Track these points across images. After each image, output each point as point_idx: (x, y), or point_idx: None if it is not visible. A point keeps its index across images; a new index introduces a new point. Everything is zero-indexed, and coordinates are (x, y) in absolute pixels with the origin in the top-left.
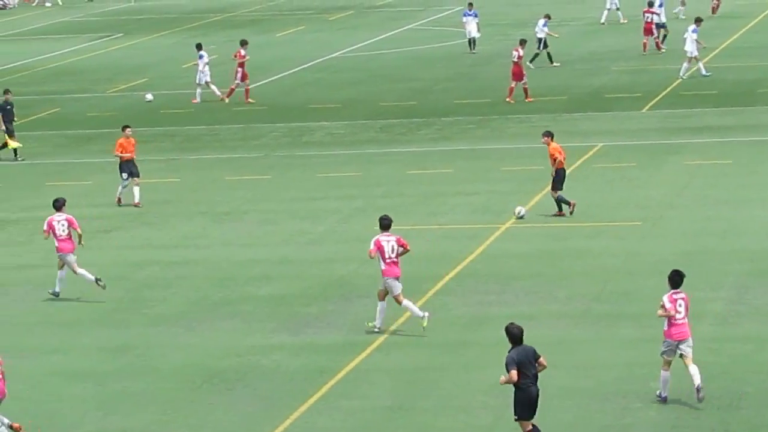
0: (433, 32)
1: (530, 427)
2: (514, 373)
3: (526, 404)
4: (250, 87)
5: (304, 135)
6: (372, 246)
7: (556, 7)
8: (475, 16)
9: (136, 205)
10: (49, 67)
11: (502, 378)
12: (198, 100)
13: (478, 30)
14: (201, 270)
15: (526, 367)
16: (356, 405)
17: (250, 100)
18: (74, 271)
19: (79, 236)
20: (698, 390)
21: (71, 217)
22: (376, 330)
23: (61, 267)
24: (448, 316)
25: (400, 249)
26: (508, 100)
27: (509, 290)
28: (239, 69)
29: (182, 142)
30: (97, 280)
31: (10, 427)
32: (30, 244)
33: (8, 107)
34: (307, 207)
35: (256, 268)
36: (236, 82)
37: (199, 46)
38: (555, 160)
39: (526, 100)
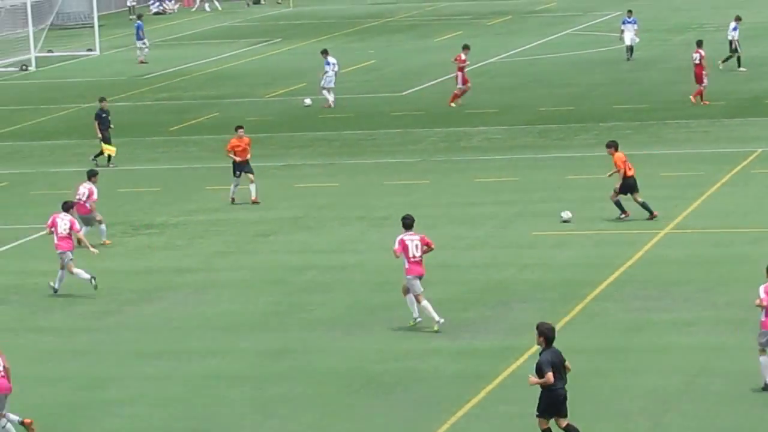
0: (592, 37)
1: (547, 425)
2: (550, 375)
3: (551, 404)
4: (464, 93)
5: (462, 140)
6: (397, 245)
7: (715, 13)
8: (634, 23)
9: (254, 202)
10: (208, 71)
11: (533, 379)
12: (331, 100)
13: (636, 36)
14: (359, 274)
15: (558, 369)
16: (514, 410)
17: (457, 102)
18: (70, 271)
19: (78, 240)
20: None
21: (74, 219)
22: (418, 320)
23: (62, 267)
24: (607, 321)
25: (425, 248)
26: (702, 102)
27: (668, 296)
28: (459, 73)
29: (340, 146)
30: (92, 278)
31: (22, 423)
32: (189, 248)
33: (104, 115)
34: (464, 212)
35: None
36: (459, 86)
37: (325, 52)
38: (621, 170)
39: (692, 101)
